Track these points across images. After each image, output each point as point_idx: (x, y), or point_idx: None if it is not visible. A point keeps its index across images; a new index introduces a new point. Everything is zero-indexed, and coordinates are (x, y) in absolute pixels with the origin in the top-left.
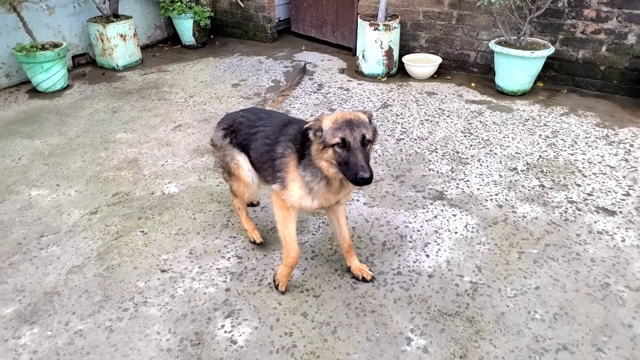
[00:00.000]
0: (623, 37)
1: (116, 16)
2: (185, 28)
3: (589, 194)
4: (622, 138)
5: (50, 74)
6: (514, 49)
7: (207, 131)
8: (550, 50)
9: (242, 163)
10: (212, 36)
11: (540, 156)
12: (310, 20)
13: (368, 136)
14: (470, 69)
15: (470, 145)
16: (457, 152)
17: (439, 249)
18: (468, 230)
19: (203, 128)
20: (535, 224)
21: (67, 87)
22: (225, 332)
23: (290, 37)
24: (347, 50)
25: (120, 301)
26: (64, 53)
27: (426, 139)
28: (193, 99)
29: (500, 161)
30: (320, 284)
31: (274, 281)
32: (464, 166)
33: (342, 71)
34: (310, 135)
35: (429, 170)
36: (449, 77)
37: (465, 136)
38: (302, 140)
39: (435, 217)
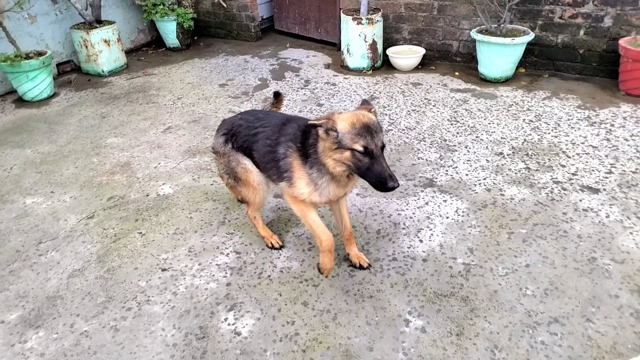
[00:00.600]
0: (600, 20)
1: (99, 22)
2: (169, 31)
3: (573, 174)
4: (603, 118)
5: (36, 83)
6: (495, 37)
7: (198, 132)
8: (530, 37)
9: (249, 166)
10: (196, 37)
11: (525, 140)
12: (293, 17)
13: (384, 141)
14: (453, 59)
15: (457, 133)
16: (445, 140)
17: (432, 234)
18: (459, 215)
19: (193, 129)
20: (523, 205)
21: (54, 95)
22: (229, 324)
23: (275, 35)
24: (332, 46)
25: (124, 301)
26: (49, 61)
27: (414, 128)
28: (181, 101)
29: (487, 147)
30: (318, 274)
31: (319, 271)
32: (452, 153)
33: (327, 66)
34: (321, 133)
35: (418, 159)
36: (433, 68)
37: (451, 124)
38: (302, 138)
39: (427, 203)
